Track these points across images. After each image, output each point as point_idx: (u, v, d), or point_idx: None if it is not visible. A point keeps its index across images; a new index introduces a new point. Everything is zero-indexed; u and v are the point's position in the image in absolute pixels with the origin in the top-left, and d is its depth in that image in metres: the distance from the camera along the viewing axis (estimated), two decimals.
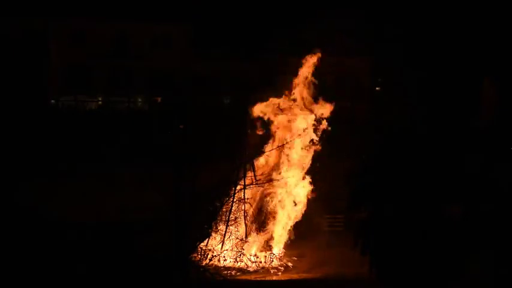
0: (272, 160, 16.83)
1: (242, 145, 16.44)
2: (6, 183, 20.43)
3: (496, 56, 36.20)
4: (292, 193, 16.57)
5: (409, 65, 37.67)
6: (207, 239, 15.81)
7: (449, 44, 38.25)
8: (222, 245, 15.78)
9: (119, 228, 16.52)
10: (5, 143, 24.96)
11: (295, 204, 16.55)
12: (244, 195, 16.04)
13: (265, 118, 16.73)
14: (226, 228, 15.82)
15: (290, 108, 16.75)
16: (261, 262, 15.85)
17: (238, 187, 16.05)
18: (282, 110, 16.68)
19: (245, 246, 15.88)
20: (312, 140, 16.60)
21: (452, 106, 32.18)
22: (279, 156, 16.79)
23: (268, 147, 16.47)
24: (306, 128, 16.51)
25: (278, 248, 16.42)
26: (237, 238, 15.83)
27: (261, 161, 16.75)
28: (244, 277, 14.94)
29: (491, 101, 33.96)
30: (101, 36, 40.53)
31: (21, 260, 14.08)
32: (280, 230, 16.46)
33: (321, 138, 16.71)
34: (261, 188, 16.31)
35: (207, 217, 15.65)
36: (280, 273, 15.40)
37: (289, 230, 16.52)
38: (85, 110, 40.01)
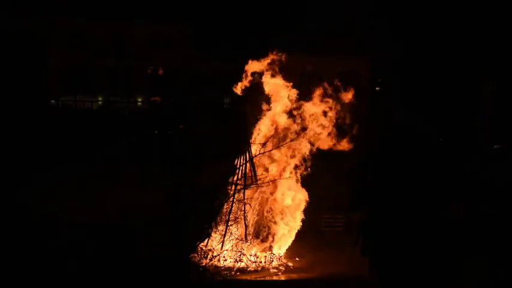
0: (272, 159, 16.80)
1: (242, 144, 16.43)
2: (6, 183, 20.44)
3: (495, 56, 36.24)
4: (293, 193, 16.56)
5: (409, 64, 37.70)
6: (207, 239, 15.81)
7: (449, 44, 38.29)
8: (222, 245, 15.78)
9: (119, 228, 16.50)
10: (4, 143, 24.99)
11: (295, 205, 16.54)
12: (244, 195, 16.03)
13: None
14: (226, 228, 15.81)
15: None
16: (261, 262, 15.85)
17: (238, 187, 16.04)
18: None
19: (245, 246, 15.87)
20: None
21: (452, 106, 32.22)
22: (279, 156, 16.77)
23: (268, 147, 16.44)
24: (306, 128, 16.50)
25: (278, 248, 16.43)
26: (237, 238, 15.82)
27: (261, 161, 16.73)
28: (244, 277, 14.94)
29: (491, 101, 34.01)
30: (101, 36, 40.67)
31: (21, 260, 14.08)
32: (281, 230, 16.46)
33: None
34: (261, 188, 16.29)
35: (207, 217, 15.64)
36: (280, 273, 15.40)
37: (290, 230, 16.52)
38: (85, 110, 40.11)
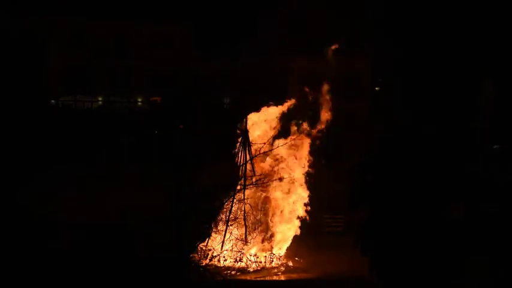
0: (272, 160, 16.81)
1: (242, 144, 16.44)
2: (6, 183, 20.45)
3: (495, 56, 36.24)
4: (293, 193, 16.57)
5: (409, 64, 37.69)
6: (207, 239, 15.81)
7: (449, 44, 38.29)
8: (222, 245, 15.78)
9: (119, 228, 16.51)
10: (4, 143, 25.00)
11: (296, 205, 16.55)
12: (244, 196, 16.03)
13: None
14: (226, 228, 15.82)
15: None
16: (261, 262, 15.85)
17: (238, 187, 16.05)
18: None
19: (245, 246, 15.87)
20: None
21: (452, 106, 32.22)
22: (280, 156, 16.78)
23: (267, 147, 16.45)
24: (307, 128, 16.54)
25: (278, 248, 16.43)
26: (237, 238, 15.82)
27: (261, 161, 16.74)
28: (244, 277, 14.95)
29: (491, 101, 34.02)
30: (101, 36, 40.69)
31: (21, 260, 14.08)
32: (281, 230, 16.46)
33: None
34: (262, 188, 16.30)
35: (207, 217, 15.65)
36: (280, 273, 15.41)
37: (290, 230, 16.52)
38: (85, 110, 40.12)
